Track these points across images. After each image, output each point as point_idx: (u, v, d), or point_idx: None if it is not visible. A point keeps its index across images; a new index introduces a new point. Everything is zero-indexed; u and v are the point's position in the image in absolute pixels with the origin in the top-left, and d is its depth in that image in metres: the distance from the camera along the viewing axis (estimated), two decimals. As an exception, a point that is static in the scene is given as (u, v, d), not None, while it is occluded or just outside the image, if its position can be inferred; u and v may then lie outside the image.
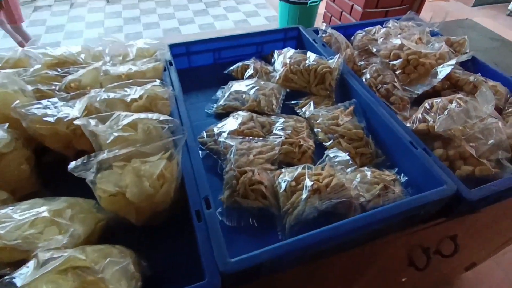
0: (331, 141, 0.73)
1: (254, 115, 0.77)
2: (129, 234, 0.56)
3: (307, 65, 0.84)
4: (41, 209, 0.47)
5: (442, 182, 0.60)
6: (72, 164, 0.50)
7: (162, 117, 0.59)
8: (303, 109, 0.81)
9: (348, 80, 0.83)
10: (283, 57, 0.89)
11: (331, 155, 0.67)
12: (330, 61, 0.85)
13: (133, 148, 0.52)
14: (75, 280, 0.37)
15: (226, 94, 0.84)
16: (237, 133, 0.72)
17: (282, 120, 0.77)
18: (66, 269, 0.39)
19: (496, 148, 0.67)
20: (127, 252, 0.46)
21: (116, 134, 0.56)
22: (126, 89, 0.67)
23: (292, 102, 0.85)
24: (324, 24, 1.01)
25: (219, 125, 0.75)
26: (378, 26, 1.04)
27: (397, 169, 0.69)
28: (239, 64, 0.93)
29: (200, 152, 0.71)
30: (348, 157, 0.65)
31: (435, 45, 0.92)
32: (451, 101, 0.72)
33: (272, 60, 0.95)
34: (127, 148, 0.52)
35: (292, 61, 0.86)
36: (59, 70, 0.72)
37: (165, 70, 0.81)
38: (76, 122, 0.55)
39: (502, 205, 0.68)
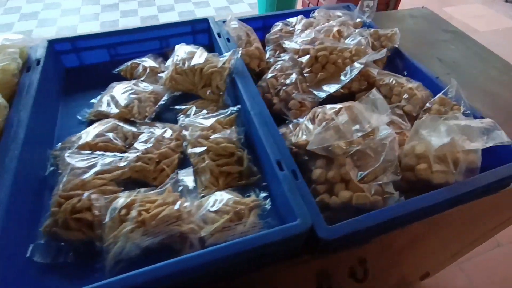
0: (196, 157, 0.62)
1: (121, 124, 0.67)
2: None
3: (192, 64, 0.72)
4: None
5: (296, 216, 0.49)
6: None
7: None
8: (182, 116, 0.71)
9: (237, 82, 0.71)
10: (173, 54, 0.77)
11: (181, 176, 0.56)
12: (221, 59, 0.73)
13: None
14: None
15: (103, 98, 0.74)
16: (88, 147, 0.62)
17: (149, 130, 0.66)
18: None
19: (383, 169, 0.55)
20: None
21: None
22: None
23: (176, 107, 0.74)
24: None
25: (78, 135, 0.65)
26: (300, 16, 0.91)
27: (268, 192, 0.58)
28: (129, 62, 0.83)
29: (50, 167, 0.62)
30: (192, 179, 0.55)
31: (356, 39, 0.78)
32: (338, 111, 0.60)
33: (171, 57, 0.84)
34: None
35: (179, 59, 0.74)
36: None
37: (28, 70, 0.71)
38: None
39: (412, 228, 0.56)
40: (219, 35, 0.83)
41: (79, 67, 0.86)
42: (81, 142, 0.62)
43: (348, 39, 0.79)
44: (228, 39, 0.82)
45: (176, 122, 0.71)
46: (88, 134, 0.64)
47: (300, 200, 0.51)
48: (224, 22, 0.89)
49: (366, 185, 0.54)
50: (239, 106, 0.68)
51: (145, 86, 0.74)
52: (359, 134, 0.56)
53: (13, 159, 0.54)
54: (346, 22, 0.83)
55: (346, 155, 0.56)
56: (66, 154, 0.59)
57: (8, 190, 0.50)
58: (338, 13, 0.90)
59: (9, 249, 0.47)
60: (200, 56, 0.73)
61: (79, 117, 0.74)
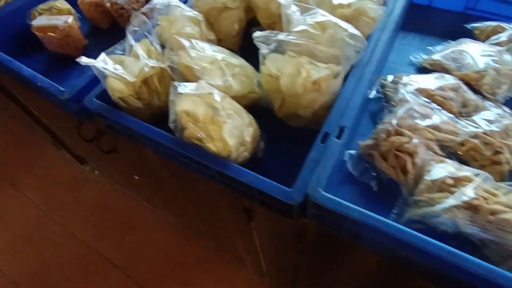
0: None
1: (464, 87, 0.59)
2: (263, 118, 0.60)
3: None
4: (221, 55, 0.56)
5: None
6: (257, 32, 0.55)
7: (355, 32, 0.54)
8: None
9: None
10: None
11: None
12: None
13: (310, 41, 0.51)
14: (206, 109, 0.45)
15: (448, 50, 0.66)
16: (426, 94, 0.58)
17: (497, 111, 0.56)
18: (204, 101, 0.47)
19: None
20: (254, 125, 0.50)
21: (304, 27, 0.56)
22: (343, -8, 0.63)
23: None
24: None
25: (413, 77, 0.62)
26: None
27: None
28: (492, 23, 0.69)
29: (373, 91, 0.63)
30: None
31: None
32: None
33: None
34: (305, 39, 0.52)
35: None
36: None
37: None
38: (281, 1, 0.58)
39: None
40: None
41: (426, 6, 0.80)
42: (420, 86, 0.59)
43: None
44: None
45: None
46: (428, 82, 0.60)
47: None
48: None
49: None
50: None
51: (509, 60, 0.61)
52: None
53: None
54: None
55: None
56: (407, 91, 0.58)
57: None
58: None
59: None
60: None
61: (411, 58, 0.70)
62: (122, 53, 0.59)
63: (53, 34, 0.71)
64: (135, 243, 1.37)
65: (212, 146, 0.46)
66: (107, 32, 0.86)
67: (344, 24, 0.55)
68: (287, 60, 0.53)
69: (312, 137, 0.55)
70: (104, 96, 0.58)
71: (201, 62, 0.54)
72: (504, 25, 0.68)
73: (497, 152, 0.52)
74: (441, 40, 0.72)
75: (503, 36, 0.66)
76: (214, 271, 1.27)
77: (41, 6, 0.81)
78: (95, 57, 0.80)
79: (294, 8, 0.58)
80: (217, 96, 0.47)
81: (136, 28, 0.59)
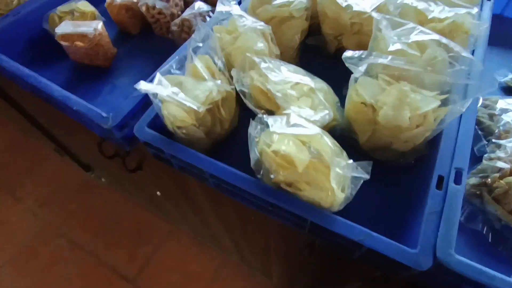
0: None
1: None
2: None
3: None
4: (304, 78, 0.47)
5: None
6: (349, 53, 0.46)
7: (463, 53, 0.46)
8: None
9: None
10: None
11: None
12: None
13: (418, 69, 0.43)
14: (308, 155, 0.36)
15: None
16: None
17: None
18: (305, 142, 0.38)
19: None
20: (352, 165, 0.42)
21: (399, 46, 0.47)
22: (431, 2, 0.55)
23: None
24: None
25: (509, 100, 0.55)
26: None
27: None
28: None
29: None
30: None
31: None
32: None
33: None
34: (411, 66, 0.43)
35: None
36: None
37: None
38: (374, 14, 0.49)
39: None
40: None
41: (498, 15, 0.73)
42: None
43: None
44: None
45: None
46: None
47: None
48: None
49: None
50: None
51: None
52: None
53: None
54: None
55: None
56: (509, 119, 0.50)
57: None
58: None
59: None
60: None
61: (495, 75, 0.63)
62: (179, 72, 0.49)
63: (81, 44, 0.61)
64: (147, 255, 1.28)
65: (314, 196, 0.37)
66: (136, 38, 0.75)
67: (449, 43, 0.46)
68: (384, 87, 0.45)
69: (401, 173, 0.48)
70: (156, 122, 0.49)
71: (282, 87, 0.45)
72: None
73: None
74: (522, 55, 0.65)
75: None
76: (233, 284, 1.19)
77: (61, 8, 0.69)
78: (126, 67, 0.71)
79: (384, 22, 0.49)
80: (326, 138, 0.38)
81: (200, 44, 0.49)
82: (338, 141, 0.42)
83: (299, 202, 0.39)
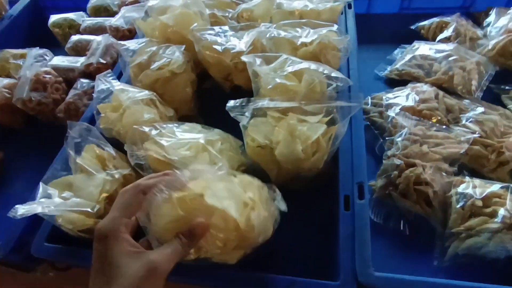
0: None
1: (441, 93, 0.59)
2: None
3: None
4: (198, 135, 0.47)
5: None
6: (231, 103, 0.47)
7: (333, 73, 0.49)
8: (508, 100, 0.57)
9: None
10: (508, 20, 0.62)
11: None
12: None
13: (296, 104, 0.45)
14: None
15: (407, 57, 0.66)
16: (412, 111, 0.56)
17: (480, 109, 0.56)
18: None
19: None
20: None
21: (278, 80, 0.49)
22: (298, 29, 0.58)
23: (502, 87, 0.61)
24: None
25: (390, 94, 0.60)
26: None
27: None
28: (435, 19, 0.71)
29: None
30: None
31: None
32: None
33: (485, 22, 0.69)
34: (290, 102, 0.45)
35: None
36: (235, -4, 0.68)
37: (341, 13, 0.68)
38: (243, 58, 0.51)
39: None
40: None
41: (365, 14, 0.80)
42: (405, 104, 0.57)
43: None
44: None
45: (496, 103, 0.58)
46: (408, 96, 0.58)
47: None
48: None
49: None
50: None
51: (469, 54, 0.62)
52: None
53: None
54: None
55: None
56: (395, 114, 0.55)
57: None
58: None
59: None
60: None
61: (376, 72, 0.69)
62: (65, 173, 0.46)
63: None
64: None
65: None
66: (23, 132, 0.69)
67: (319, 66, 0.49)
68: (273, 125, 0.46)
69: (314, 201, 0.49)
70: (57, 231, 0.44)
71: (177, 151, 0.44)
72: (445, 19, 0.70)
73: (500, 153, 0.51)
74: (394, 46, 0.72)
75: (449, 31, 0.68)
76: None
77: None
78: (18, 170, 0.63)
79: (257, 60, 0.51)
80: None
81: (78, 140, 0.46)
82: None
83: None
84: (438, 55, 0.63)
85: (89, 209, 0.41)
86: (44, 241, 0.43)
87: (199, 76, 0.66)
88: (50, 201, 0.40)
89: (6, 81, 0.65)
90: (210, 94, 0.66)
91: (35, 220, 0.46)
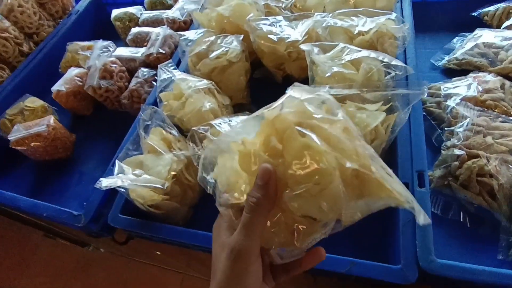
0: None
1: (508, 82, 0.56)
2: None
3: None
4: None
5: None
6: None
7: (393, 61, 0.49)
8: None
9: None
10: None
11: None
12: None
13: (356, 91, 0.45)
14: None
15: (468, 45, 0.63)
16: (475, 102, 0.54)
17: (553, 100, 0.52)
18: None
19: None
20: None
21: (335, 69, 0.50)
22: (354, 18, 0.58)
23: None
24: None
25: (449, 84, 0.58)
26: None
27: None
28: (501, 5, 0.67)
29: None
30: None
31: None
32: None
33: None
34: (350, 90, 0.45)
35: None
36: (288, -14, 0.69)
37: (398, 1, 0.66)
38: (302, 46, 0.52)
39: None
40: None
41: (421, 2, 0.77)
42: (466, 94, 0.54)
43: None
44: None
45: None
46: (470, 87, 0.56)
47: None
48: None
49: None
50: None
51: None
52: None
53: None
54: None
55: None
56: (456, 104, 0.53)
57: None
58: None
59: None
60: None
61: (433, 61, 0.66)
62: (136, 152, 0.50)
63: (37, 143, 0.60)
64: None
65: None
66: (91, 118, 0.76)
67: (378, 54, 0.49)
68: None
69: None
70: (129, 206, 0.49)
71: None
72: (512, 5, 0.66)
73: None
74: (452, 35, 0.69)
75: (516, 18, 0.64)
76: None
77: (10, 111, 0.69)
78: (88, 151, 0.70)
79: (315, 49, 0.51)
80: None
81: (148, 122, 0.50)
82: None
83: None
84: (505, 42, 0.59)
85: (159, 186, 0.44)
86: (119, 212, 0.48)
87: (250, 66, 0.68)
88: (126, 177, 0.44)
89: (77, 70, 0.72)
90: (262, 83, 0.68)
91: (109, 195, 0.52)
